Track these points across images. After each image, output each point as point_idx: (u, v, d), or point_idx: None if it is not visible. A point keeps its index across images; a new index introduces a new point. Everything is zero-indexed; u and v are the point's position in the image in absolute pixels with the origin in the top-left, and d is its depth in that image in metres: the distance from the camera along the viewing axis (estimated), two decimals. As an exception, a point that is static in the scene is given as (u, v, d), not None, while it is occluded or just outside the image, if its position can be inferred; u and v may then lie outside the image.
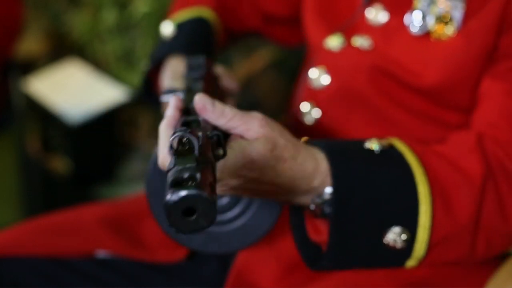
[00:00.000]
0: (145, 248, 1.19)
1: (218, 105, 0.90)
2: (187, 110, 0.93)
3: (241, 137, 0.90)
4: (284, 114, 1.39)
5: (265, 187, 0.93)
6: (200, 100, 0.90)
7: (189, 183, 0.73)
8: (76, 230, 1.22)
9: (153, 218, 0.99)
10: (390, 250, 0.95)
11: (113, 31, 2.22)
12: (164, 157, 0.88)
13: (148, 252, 1.19)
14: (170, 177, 0.75)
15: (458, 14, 1.06)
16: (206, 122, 0.90)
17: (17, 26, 1.96)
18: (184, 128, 0.80)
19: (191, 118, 0.90)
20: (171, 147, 0.79)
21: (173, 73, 1.21)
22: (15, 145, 2.24)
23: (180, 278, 1.18)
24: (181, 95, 1.02)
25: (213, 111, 0.90)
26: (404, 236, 0.94)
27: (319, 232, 0.98)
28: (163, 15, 2.11)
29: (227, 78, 1.18)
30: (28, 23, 2.41)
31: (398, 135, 1.11)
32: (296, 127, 1.21)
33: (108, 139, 2.24)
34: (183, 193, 0.72)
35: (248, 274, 1.12)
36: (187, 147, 0.79)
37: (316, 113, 1.17)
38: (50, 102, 2.18)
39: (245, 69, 2.28)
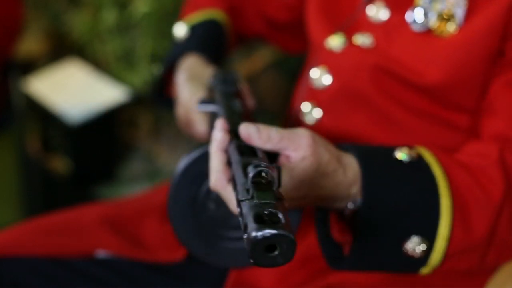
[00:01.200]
0: (145, 248, 1.19)
1: (263, 130, 0.92)
2: (234, 133, 0.95)
3: (287, 157, 0.92)
4: (284, 114, 1.39)
5: (309, 200, 0.95)
6: (245, 130, 0.92)
7: (274, 221, 0.75)
8: (76, 230, 1.22)
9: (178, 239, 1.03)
10: (409, 257, 0.97)
11: (113, 31, 2.22)
12: (218, 179, 0.92)
13: (148, 252, 1.19)
14: (250, 209, 0.77)
15: (460, 11, 1.06)
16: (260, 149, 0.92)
17: (17, 26, 1.96)
18: (262, 162, 0.82)
19: (243, 143, 0.92)
20: (252, 178, 0.81)
21: (189, 71, 1.22)
22: (15, 145, 2.24)
23: (180, 278, 1.18)
24: (217, 109, 1.05)
25: (259, 138, 0.92)
26: (423, 246, 0.97)
27: (342, 231, 1.00)
28: (163, 15, 2.11)
29: (247, 94, 1.19)
30: (28, 23, 2.41)
31: (400, 135, 1.11)
32: (296, 127, 1.21)
33: (108, 139, 2.23)
34: (272, 231, 0.73)
35: (247, 274, 1.12)
36: (264, 181, 0.81)
37: (317, 113, 1.17)
38: (50, 102, 2.18)
39: (245, 69, 2.28)
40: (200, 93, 1.17)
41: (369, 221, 0.96)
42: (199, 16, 1.36)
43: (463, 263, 1.01)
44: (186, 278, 1.18)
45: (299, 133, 0.94)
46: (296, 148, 0.92)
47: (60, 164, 2.23)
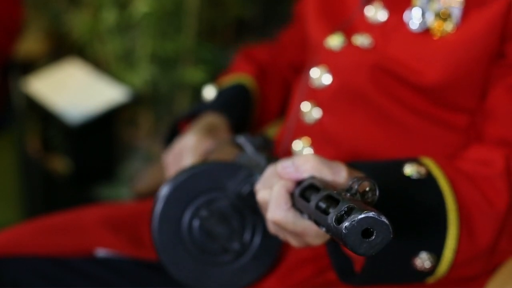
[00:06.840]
0: (145, 247, 1.19)
1: (298, 158, 0.93)
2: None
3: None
4: (284, 114, 1.39)
5: None
6: (280, 167, 0.93)
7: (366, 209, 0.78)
8: (76, 229, 1.22)
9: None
10: (417, 271, 0.99)
11: (113, 31, 2.22)
12: (283, 215, 0.92)
13: (148, 252, 1.19)
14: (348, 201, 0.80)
15: (456, 10, 1.06)
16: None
17: (17, 26, 1.96)
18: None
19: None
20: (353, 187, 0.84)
21: (205, 122, 1.23)
22: (15, 145, 2.24)
23: (180, 278, 1.18)
24: (252, 154, 1.08)
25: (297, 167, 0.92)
26: (431, 260, 0.98)
27: None
28: (163, 15, 2.11)
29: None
30: (28, 23, 2.41)
31: (399, 133, 1.11)
32: (296, 127, 1.21)
33: (108, 139, 2.23)
34: (369, 214, 0.77)
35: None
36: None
37: (317, 112, 1.17)
38: (50, 102, 2.18)
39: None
40: (208, 144, 1.17)
41: None
42: (228, 80, 1.38)
43: (466, 271, 1.03)
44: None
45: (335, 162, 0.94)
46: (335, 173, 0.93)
47: (60, 164, 2.23)
